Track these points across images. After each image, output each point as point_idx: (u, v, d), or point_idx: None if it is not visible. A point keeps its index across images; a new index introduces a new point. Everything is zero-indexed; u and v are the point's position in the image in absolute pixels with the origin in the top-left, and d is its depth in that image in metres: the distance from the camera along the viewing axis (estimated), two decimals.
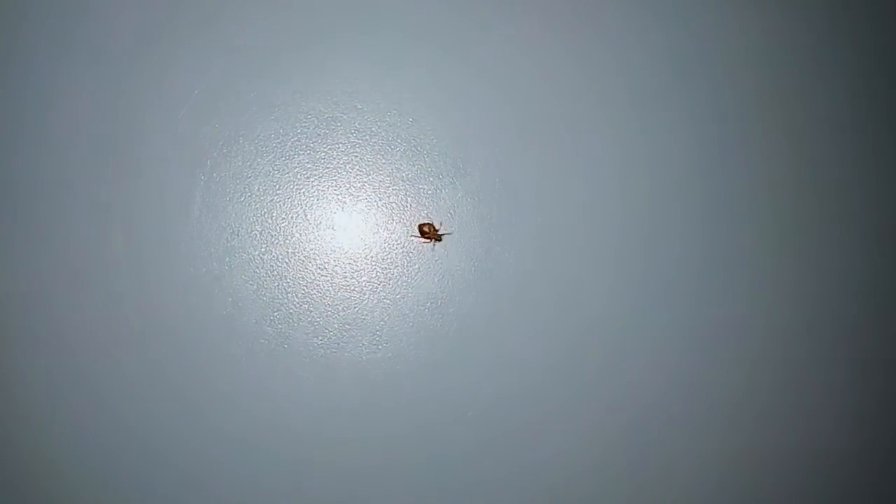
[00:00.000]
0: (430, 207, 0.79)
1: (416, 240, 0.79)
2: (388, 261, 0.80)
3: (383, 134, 0.79)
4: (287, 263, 0.79)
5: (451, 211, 0.79)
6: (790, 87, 0.84)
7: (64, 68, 0.76)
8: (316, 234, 0.79)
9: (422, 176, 0.79)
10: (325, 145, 0.79)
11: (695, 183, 0.82)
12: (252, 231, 0.78)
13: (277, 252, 0.78)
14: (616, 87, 0.81)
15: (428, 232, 0.78)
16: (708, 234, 0.82)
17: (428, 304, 0.79)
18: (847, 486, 0.85)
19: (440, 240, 0.79)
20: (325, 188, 0.79)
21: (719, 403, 0.83)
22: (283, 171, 0.78)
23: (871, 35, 0.85)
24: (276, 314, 0.78)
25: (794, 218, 0.83)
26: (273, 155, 0.78)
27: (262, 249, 0.78)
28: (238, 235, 0.78)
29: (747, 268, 0.83)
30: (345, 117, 0.79)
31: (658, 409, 0.82)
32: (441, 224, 0.79)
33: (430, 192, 0.79)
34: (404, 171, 0.79)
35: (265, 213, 0.78)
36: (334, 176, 0.79)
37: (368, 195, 0.79)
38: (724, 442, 0.83)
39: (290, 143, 0.78)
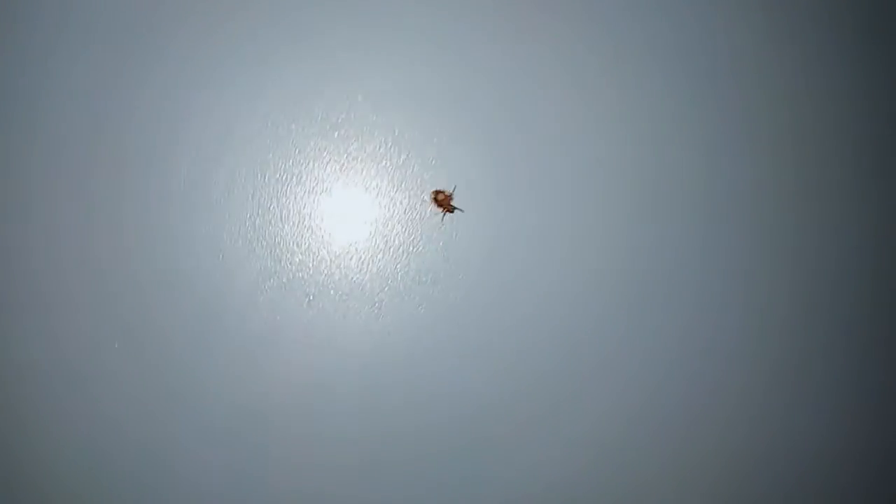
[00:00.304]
0: (435, 171, 0.74)
1: (429, 207, 0.74)
2: (389, 227, 0.75)
3: (385, 88, 0.74)
4: (280, 229, 0.73)
5: (458, 175, 0.74)
6: (788, 86, 0.79)
7: (42, 47, 0.71)
8: (311, 198, 0.74)
9: (426, 137, 0.74)
10: (321, 101, 0.73)
11: (694, 180, 0.77)
12: (244, 194, 0.73)
13: (270, 217, 0.73)
14: (623, 80, 0.76)
15: (441, 201, 0.73)
16: (707, 232, 0.78)
17: (430, 275, 0.75)
18: (844, 486, 0.81)
19: (451, 211, 0.73)
20: (321, 149, 0.74)
21: (717, 403, 0.79)
22: (277, 129, 0.73)
23: (871, 35, 0.80)
24: (268, 282, 0.73)
25: (789, 216, 0.79)
26: (265, 112, 0.73)
27: (254, 213, 0.73)
28: (228, 199, 0.73)
29: (746, 266, 0.78)
30: (342, 70, 0.73)
31: (656, 402, 0.78)
32: (454, 192, 0.74)
33: (434, 154, 0.74)
34: (407, 132, 0.74)
35: (257, 174, 0.73)
36: (331, 136, 0.74)
37: (368, 156, 0.74)
38: (720, 442, 0.79)
39: (285, 99, 0.73)
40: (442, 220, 0.74)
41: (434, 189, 0.74)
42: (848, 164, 0.79)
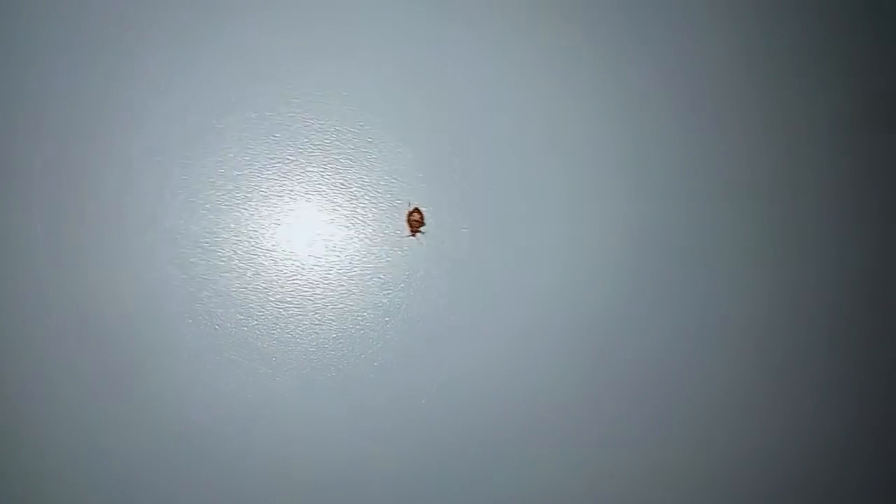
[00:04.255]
0: (378, 175, 0.71)
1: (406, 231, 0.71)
2: (334, 227, 0.72)
3: (322, 89, 0.71)
4: (216, 236, 0.71)
5: (405, 175, 0.72)
6: (785, 84, 0.77)
7: None
8: (248, 204, 0.71)
9: (369, 140, 0.71)
10: (255, 104, 0.70)
11: (687, 181, 0.75)
12: (176, 200, 0.70)
13: (205, 223, 0.70)
14: (611, 80, 0.74)
15: (413, 220, 0.70)
16: (700, 234, 0.76)
17: (379, 277, 0.72)
18: (844, 484, 0.80)
19: (413, 234, 0.71)
20: (257, 151, 0.71)
21: (708, 402, 0.77)
22: (211, 132, 0.70)
23: (865, 37, 0.78)
24: (204, 293, 0.70)
25: (782, 214, 0.77)
26: (199, 115, 0.70)
27: (188, 220, 0.70)
28: (161, 205, 0.70)
29: (736, 265, 0.76)
30: (279, 73, 0.70)
31: (644, 406, 0.76)
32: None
33: (377, 156, 0.71)
34: (349, 135, 0.71)
35: (191, 180, 0.70)
36: (268, 137, 0.71)
37: (307, 157, 0.71)
38: (705, 441, 0.77)
39: (217, 101, 0.70)
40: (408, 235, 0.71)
41: (413, 206, 0.71)
42: (846, 162, 0.78)
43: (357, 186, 0.72)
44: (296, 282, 0.72)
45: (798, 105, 0.77)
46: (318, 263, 0.72)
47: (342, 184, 0.72)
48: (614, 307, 0.75)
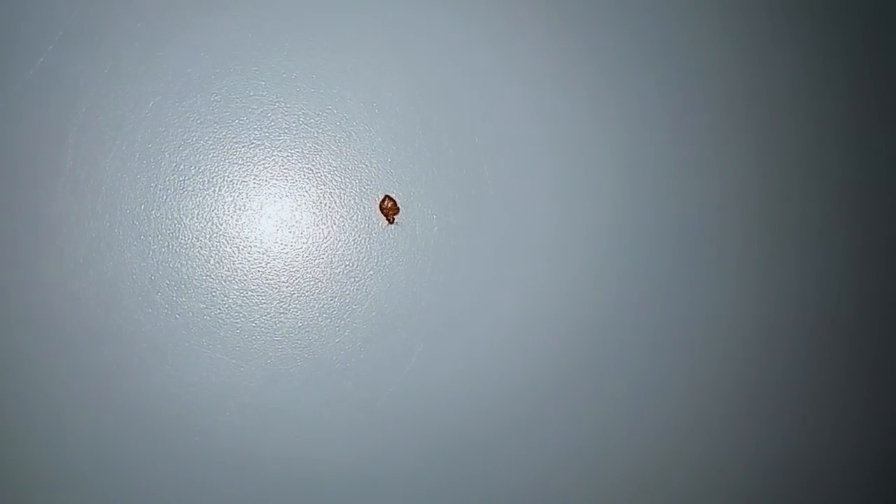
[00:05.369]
0: (345, 159, 0.70)
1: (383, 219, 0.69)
2: (301, 213, 0.70)
3: (287, 71, 0.69)
4: (178, 222, 0.68)
5: (373, 159, 0.70)
6: (782, 87, 0.78)
7: None
8: (211, 189, 0.69)
9: (336, 123, 0.70)
10: (220, 86, 0.68)
11: (682, 182, 0.75)
12: (136, 185, 0.67)
13: (166, 209, 0.68)
14: (603, 79, 0.73)
15: (386, 208, 0.69)
16: (693, 235, 0.76)
17: (347, 264, 0.70)
18: (838, 487, 0.80)
19: (391, 222, 0.69)
20: (221, 135, 0.69)
21: (696, 398, 0.77)
22: (173, 115, 0.68)
23: (861, 38, 0.79)
24: (166, 281, 0.68)
25: (770, 216, 0.78)
26: (161, 97, 0.68)
27: (149, 205, 0.68)
28: (120, 190, 0.67)
29: (725, 264, 0.77)
30: (244, 55, 0.68)
31: (631, 403, 0.76)
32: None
33: (344, 139, 0.70)
34: (313, 118, 0.70)
35: (151, 163, 0.68)
36: (233, 121, 0.69)
37: (273, 141, 0.69)
38: (690, 443, 0.77)
39: (180, 83, 0.68)
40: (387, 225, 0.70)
41: (385, 194, 0.70)
42: (837, 164, 0.79)
43: (325, 171, 0.70)
44: (261, 269, 0.70)
45: (791, 107, 0.78)
46: (284, 250, 0.70)
47: (309, 169, 0.70)
48: (591, 303, 0.74)
